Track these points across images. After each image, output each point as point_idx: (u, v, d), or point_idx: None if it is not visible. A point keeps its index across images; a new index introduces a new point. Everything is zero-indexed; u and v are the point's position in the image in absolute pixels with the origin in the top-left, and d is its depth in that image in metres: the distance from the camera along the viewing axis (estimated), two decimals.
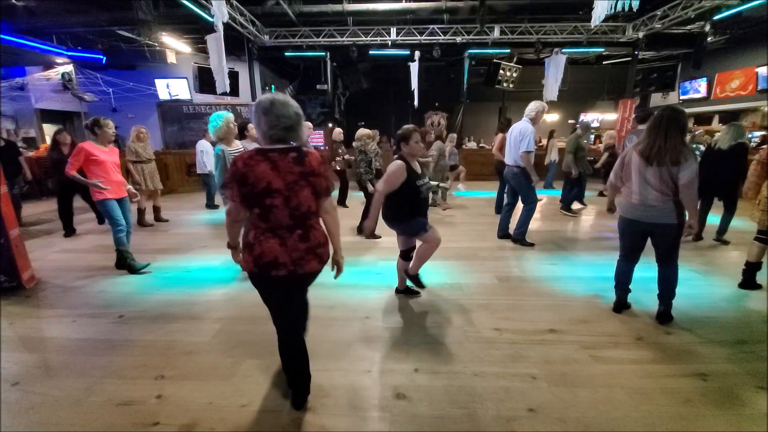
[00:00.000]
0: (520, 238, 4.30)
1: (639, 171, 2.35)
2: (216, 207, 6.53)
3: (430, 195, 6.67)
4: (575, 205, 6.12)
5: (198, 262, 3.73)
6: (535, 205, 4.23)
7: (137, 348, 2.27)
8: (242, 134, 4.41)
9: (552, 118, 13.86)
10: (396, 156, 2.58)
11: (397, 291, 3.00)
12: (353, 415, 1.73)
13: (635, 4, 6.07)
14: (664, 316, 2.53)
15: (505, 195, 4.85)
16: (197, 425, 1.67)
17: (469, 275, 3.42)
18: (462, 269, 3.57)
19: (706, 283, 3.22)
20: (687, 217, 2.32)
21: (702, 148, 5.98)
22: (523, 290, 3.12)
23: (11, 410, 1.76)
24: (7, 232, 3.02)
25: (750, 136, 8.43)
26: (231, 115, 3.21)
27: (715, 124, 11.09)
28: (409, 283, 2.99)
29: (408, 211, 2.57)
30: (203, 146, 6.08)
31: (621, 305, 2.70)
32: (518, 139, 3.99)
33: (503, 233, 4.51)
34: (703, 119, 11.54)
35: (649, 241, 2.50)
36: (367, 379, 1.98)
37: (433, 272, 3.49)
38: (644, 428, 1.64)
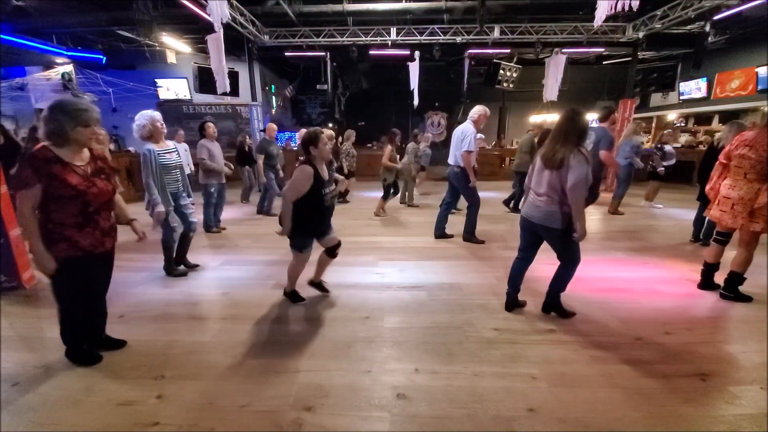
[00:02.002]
0: (469, 237, 4.41)
1: (537, 173, 2.41)
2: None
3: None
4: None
5: (198, 262, 3.72)
6: (478, 205, 4.30)
7: (137, 348, 2.27)
8: (201, 133, 4.51)
9: (552, 118, 13.86)
10: (302, 160, 2.45)
11: (309, 282, 2.97)
12: (353, 415, 1.73)
13: (635, 4, 6.08)
14: (545, 305, 2.64)
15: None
16: (197, 425, 1.67)
17: (468, 275, 3.42)
18: (462, 269, 3.57)
19: None
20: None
21: (668, 148, 6.00)
22: (523, 290, 3.10)
23: (11, 410, 1.76)
24: (7, 232, 3.02)
25: None
26: (158, 114, 3.00)
27: (715, 124, 11.10)
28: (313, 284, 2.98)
29: (307, 219, 2.44)
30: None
31: (511, 304, 2.71)
32: (460, 139, 4.04)
33: (440, 233, 4.57)
34: (703, 119, 11.55)
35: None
36: (367, 379, 1.98)
37: (432, 272, 3.50)
38: (644, 428, 1.64)
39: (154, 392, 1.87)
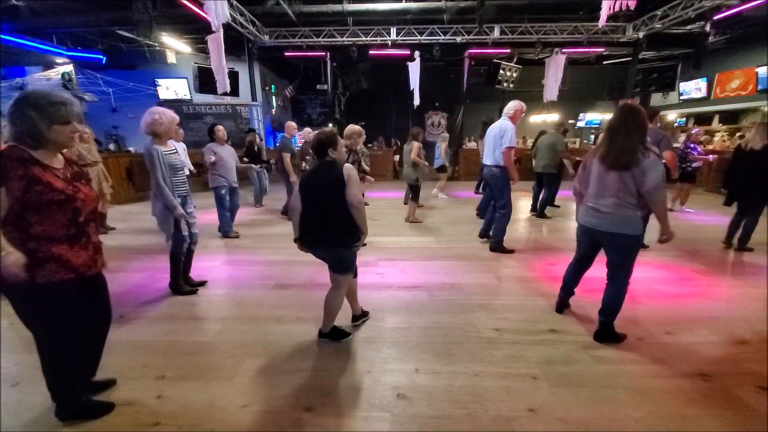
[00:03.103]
0: (496, 246, 4.08)
1: (598, 176, 2.21)
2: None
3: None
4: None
5: (198, 262, 3.72)
6: (510, 210, 4.02)
7: (138, 348, 2.27)
8: (211, 136, 4.45)
9: (552, 118, 13.87)
10: (331, 161, 2.12)
11: (354, 320, 2.51)
12: (353, 415, 1.73)
13: (632, 4, 6.14)
14: (597, 334, 2.34)
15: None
16: (198, 426, 1.67)
17: (469, 275, 3.42)
18: (462, 269, 3.57)
19: (706, 283, 3.22)
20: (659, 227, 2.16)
21: (699, 149, 5.92)
22: (524, 290, 3.12)
23: (11, 410, 1.76)
24: None
25: None
26: (177, 117, 2.86)
27: (715, 124, 11.10)
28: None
29: (356, 226, 2.09)
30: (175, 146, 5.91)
31: (562, 305, 2.70)
32: (499, 136, 3.82)
33: (485, 233, 4.39)
34: (703, 119, 11.55)
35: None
36: (367, 379, 1.98)
37: (433, 272, 3.49)
38: (646, 428, 1.64)
39: (154, 392, 1.87)
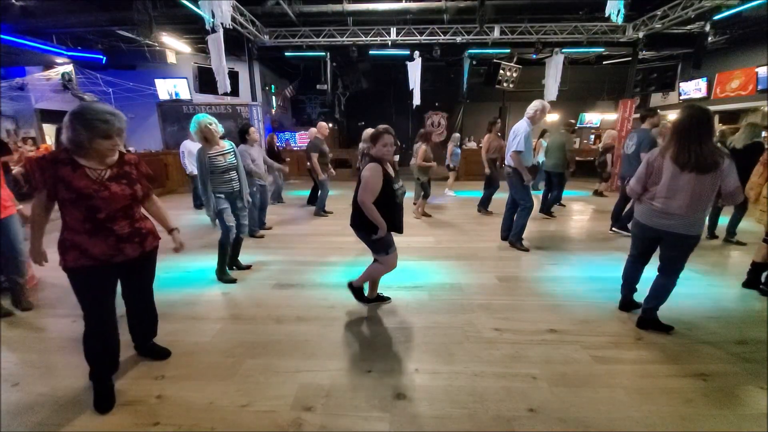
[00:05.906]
0: (515, 241, 4.21)
1: (671, 178, 2.16)
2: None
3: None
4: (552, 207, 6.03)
5: (198, 262, 3.72)
6: (531, 208, 4.07)
7: None
8: (243, 138, 4.41)
9: (552, 117, 13.87)
10: (369, 158, 2.36)
11: (367, 301, 2.81)
12: (353, 415, 1.73)
13: (615, 4, 6.21)
14: (642, 321, 2.47)
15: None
16: (197, 425, 1.67)
17: (469, 275, 3.42)
18: (462, 269, 3.57)
19: (706, 283, 3.22)
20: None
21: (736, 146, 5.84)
22: (524, 290, 3.12)
23: (11, 410, 1.76)
24: None
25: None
26: (207, 118, 3.04)
27: (715, 124, 11.10)
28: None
29: (383, 217, 2.34)
30: (187, 146, 5.89)
31: (628, 304, 2.69)
32: (510, 138, 3.93)
33: (506, 234, 4.39)
34: None
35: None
36: (368, 379, 1.98)
37: (433, 272, 3.50)
38: (645, 428, 1.64)
39: (154, 392, 1.87)
